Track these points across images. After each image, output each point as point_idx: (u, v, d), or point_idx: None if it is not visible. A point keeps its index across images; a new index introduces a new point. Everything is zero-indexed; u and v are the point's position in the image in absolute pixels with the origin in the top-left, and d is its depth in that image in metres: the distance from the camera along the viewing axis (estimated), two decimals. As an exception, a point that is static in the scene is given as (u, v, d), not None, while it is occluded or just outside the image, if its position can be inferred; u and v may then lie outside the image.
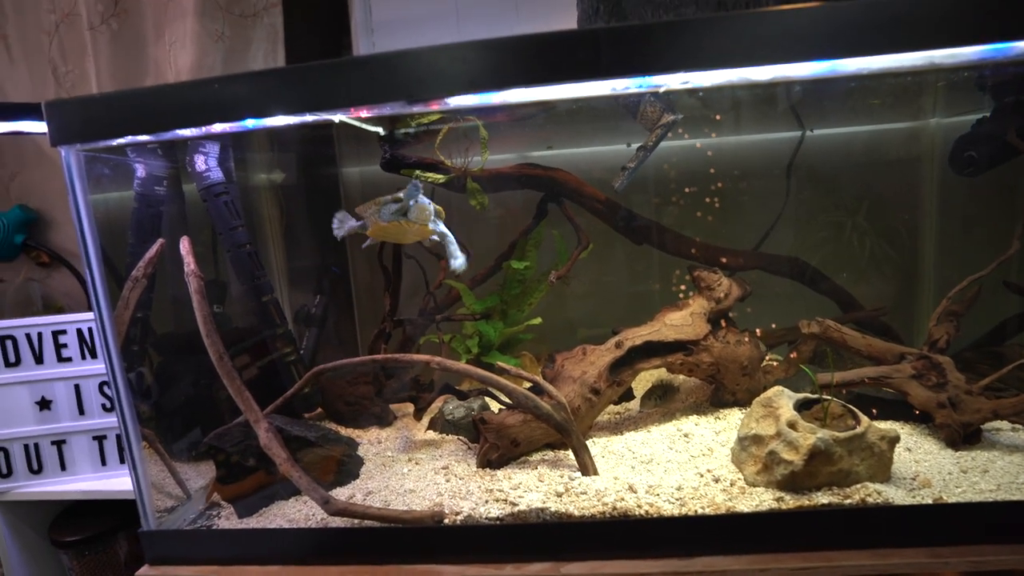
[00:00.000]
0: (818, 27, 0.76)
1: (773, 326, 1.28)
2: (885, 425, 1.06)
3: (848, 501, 0.87)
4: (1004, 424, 1.03)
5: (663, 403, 1.25)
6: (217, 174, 1.11)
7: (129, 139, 0.93)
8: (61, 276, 1.88)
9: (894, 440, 0.91)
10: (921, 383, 1.00)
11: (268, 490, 1.04)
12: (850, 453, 0.89)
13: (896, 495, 0.88)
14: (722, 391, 1.19)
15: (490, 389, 1.07)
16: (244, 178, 1.47)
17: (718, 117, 1.22)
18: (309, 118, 0.93)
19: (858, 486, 0.89)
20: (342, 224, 1.07)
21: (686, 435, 1.10)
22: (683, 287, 1.26)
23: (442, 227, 1.06)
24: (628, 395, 1.20)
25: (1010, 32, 0.76)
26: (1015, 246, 1.07)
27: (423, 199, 1.02)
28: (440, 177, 1.20)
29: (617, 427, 1.19)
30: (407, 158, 1.23)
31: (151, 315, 1.15)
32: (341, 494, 1.01)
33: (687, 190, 1.29)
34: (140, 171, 1.12)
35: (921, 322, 1.40)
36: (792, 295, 1.39)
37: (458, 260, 1.05)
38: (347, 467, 1.07)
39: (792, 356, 1.24)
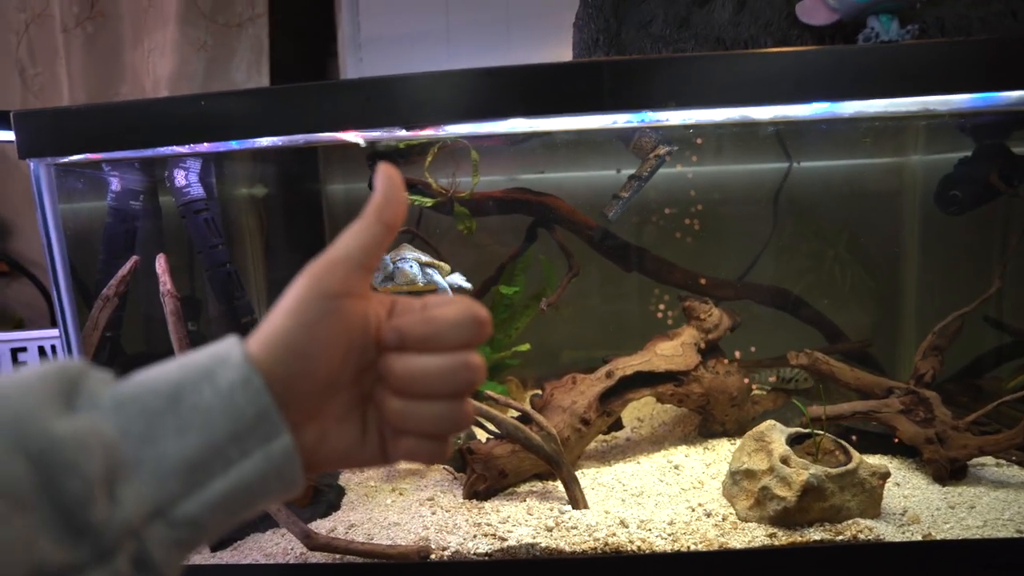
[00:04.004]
0: (816, 70, 0.77)
1: (752, 350, 1.28)
2: (875, 460, 1.07)
3: (840, 537, 0.87)
4: (989, 459, 1.05)
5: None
6: (198, 190, 1.06)
7: (104, 155, 0.88)
8: (20, 286, 1.79)
9: (885, 476, 0.91)
10: (909, 418, 1.02)
11: (243, 522, 0.98)
12: (842, 489, 0.89)
13: (887, 531, 0.88)
14: (711, 422, 1.19)
15: (478, 419, 1.04)
16: (224, 192, 1.42)
17: (698, 141, 1.23)
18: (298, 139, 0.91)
19: (849, 522, 0.89)
20: None
21: (676, 467, 1.08)
22: (671, 313, 1.26)
23: (436, 278, 1.03)
24: (617, 425, 1.19)
25: (999, 83, 0.79)
26: (997, 284, 1.10)
27: (403, 264, 0.99)
28: (428, 200, 1.17)
29: (605, 456, 1.17)
30: (397, 179, 1.20)
31: (121, 335, 1.09)
32: (322, 526, 0.97)
33: (667, 211, 1.29)
34: (115, 184, 1.07)
35: (902, 354, 1.42)
36: (776, 324, 1.40)
37: (450, 281, 1.03)
38: (327, 497, 1.02)
39: (771, 380, 1.25)
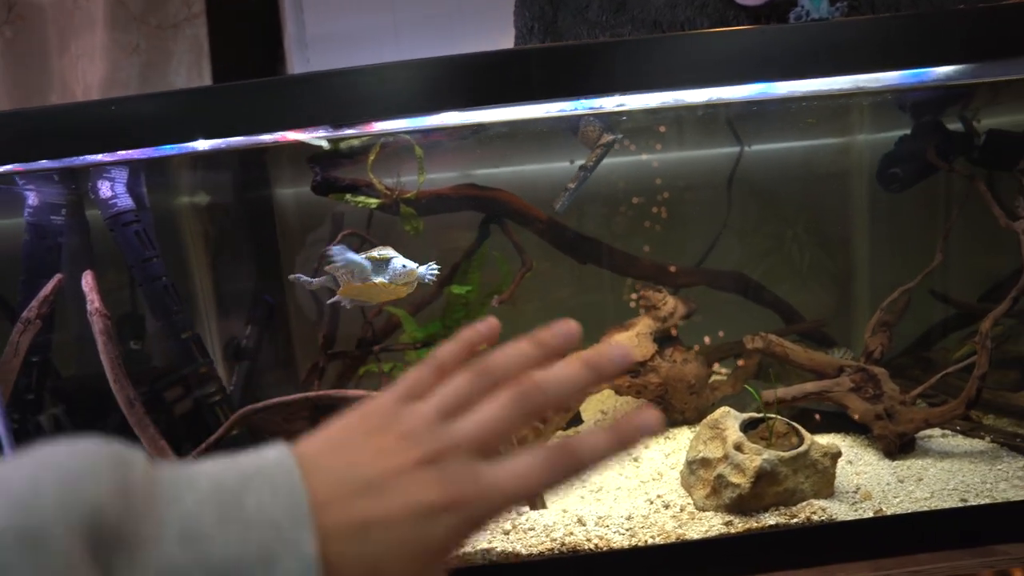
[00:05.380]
0: (752, 50, 0.76)
1: (721, 334, 1.28)
2: (827, 440, 1.08)
3: (795, 520, 0.87)
4: (936, 431, 1.06)
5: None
6: (126, 201, 1.01)
7: (13, 167, 0.83)
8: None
9: (836, 456, 0.92)
10: (860, 395, 1.02)
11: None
12: (795, 472, 0.89)
13: (840, 510, 0.89)
14: (671, 411, 1.18)
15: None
16: (162, 201, 1.36)
17: (662, 129, 1.22)
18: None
19: (804, 504, 0.89)
20: (310, 281, 0.99)
21: (635, 459, 1.08)
22: (632, 302, 1.25)
23: (409, 267, 0.97)
24: (577, 420, 1.18)
25: (926, 60, 0.79)
26: (939, 258, 1.11)
27: (409, 264, 0.94)
28: (374, 201, 1.14)
29: (567, 452, 1.16)
30: (340, 180, 1.16)
31: (51, 357, 1.03)
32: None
33: (635, 201, 1.28)
34: (31, 199, 1.01)
35: (858, 331, 1.44)
36: (739, 308, 1.40)
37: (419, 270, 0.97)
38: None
39: (740, 364, 1.25)
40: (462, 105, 0.79)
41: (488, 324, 0.36)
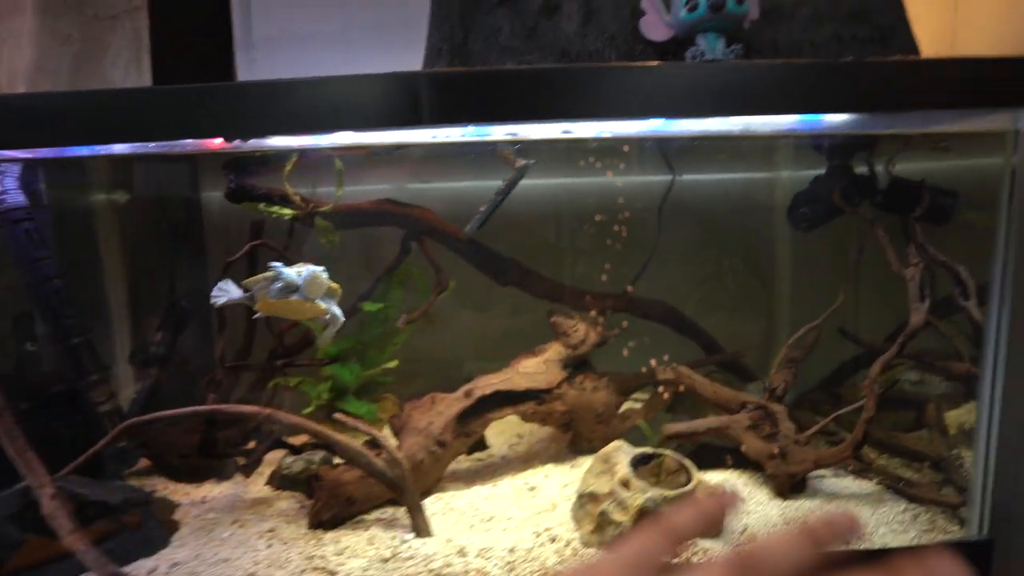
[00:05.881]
0: (648, 86, 0.76)
1: (666, 358, 1.27)
2: (722, 477, 1.08)
3: (675, 561, 0.87)
4: (829, 471, 1.07)
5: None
6: (17, 197, 0.97)
7: None
8: None
9: (722, 495, 0.92)
10: (756, 433, 1.03)
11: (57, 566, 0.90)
12: (679, 510, 0.89)
13: (723, 551, 0.89)
14: (579, 439, 1.18)
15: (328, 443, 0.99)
16: (74, 199, 1.31)
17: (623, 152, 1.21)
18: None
19: (687, 543, 0.89)
20: (224, 293, 0.92)
21: (532, 488, 1.06)
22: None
23: (335, 309, 0.93)
24: (481, 445, 1.16)
25: (816, 107, 0.80)
26: (841, 299, 1.13)
27: (313, 268, 0.90)
28: (288, 212, 1.11)
29: (472, 478, 1.14)
30: (255, 189, 1.14)
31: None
32: (143, 567, 0.90)
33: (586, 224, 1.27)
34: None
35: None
36: (666, 335, 1.41)
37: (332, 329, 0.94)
38: (155, 534, 0.95)
39: (660, 392, 1.25)
40: (354, 127, 0.77)
41: (729, 496, 0.35)
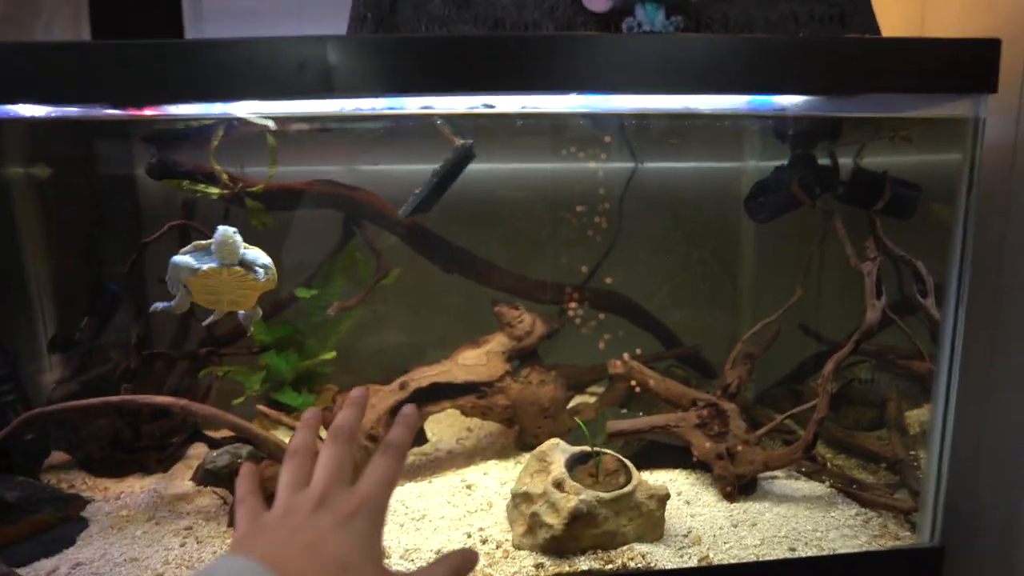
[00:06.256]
0: (567, 59, 0.70)
1: (638, 351, 1.21)
2: (668, 477, 1.03)
3: (610, 566, 0.82)
4: (782, 472, 1.03)
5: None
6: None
7: None
8: None
9: (664, 498, 0.87)
10: (704, 432, 0.98)
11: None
12: (617, 514, 0.84)
13: (663, 556, 0.84)
14: (525, 434, 1.12)
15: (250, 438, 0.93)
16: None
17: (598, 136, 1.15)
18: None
19: (625, 548, 0.84)
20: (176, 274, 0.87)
21: (469, 486, 1.01)
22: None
23: (251, 254, 0.87)
24: (421, 439, 1.11)
25: (762, 86, 0.74)
26: (799, 293, 1.08)
27: (223, 228, 0.84)
28: (214, 190, 1.04)
29: (412, 473, 1.08)
30: (179, 165, 1.06)
31: None
32: (44, 567, 0.83)
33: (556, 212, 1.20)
34: None
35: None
36: (628, 327, 1.35)
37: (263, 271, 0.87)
38: (60, 532, 0.89)
39: (614, 387, 1.19)
40: (264, 95, 0.70)
41: (311, 413, 0.53)
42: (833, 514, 0.93)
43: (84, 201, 1.30)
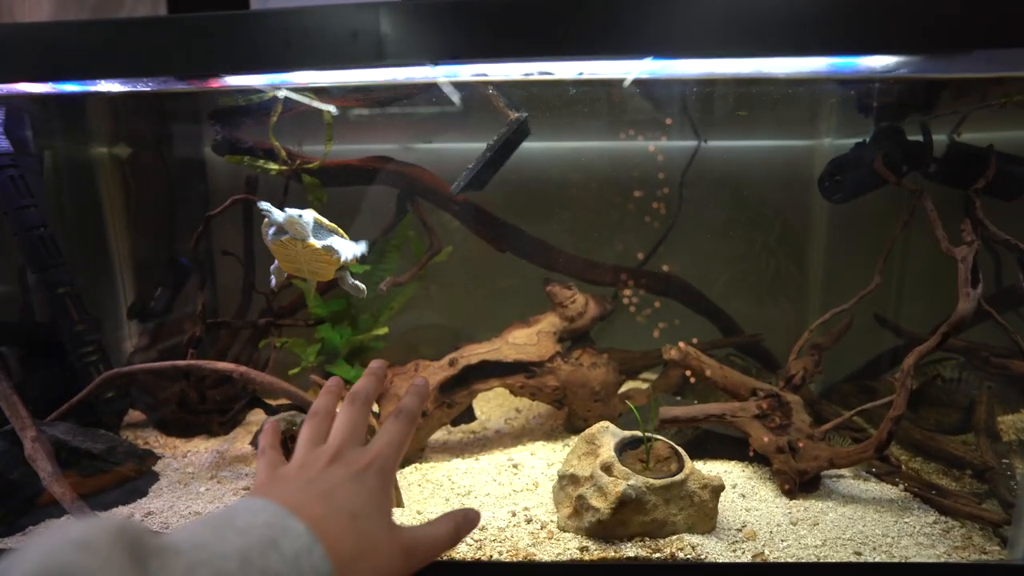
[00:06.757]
0: (656, 17, 0.65)
1: (695, 341, 1.17)
2: (723, 468, 0.99)
3: (657, 555, 0.79)
4: (848, 471, 0.96)
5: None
6: (1, 143, 0.96)
7: None
8: None
9: (718, 489, 0.82)
10: (764, 424, 0.92)
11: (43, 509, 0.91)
12: (667, 502, 0.80)
13: (715, 549, 0.80)
14: (574, 417, 1.10)
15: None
16: (74, 151, 1.31)
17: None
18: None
19: (673, 537, 0.81)
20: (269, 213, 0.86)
21: (515, 465, 1.00)
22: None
23: (331, 242, 0.87)
24: (469, 416, 1.10)
25: (850, 47, 0.67)
26: (876, 280, 0.99)
27: (291, 211, 0.83)
28: (273, 166, 1.07)
29: (459, 450, 1.09)
30: (242, 141, 1.09)
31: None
32: (120, 514, 0.90)
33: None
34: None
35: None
36: (686, 313, 1.29)
37: (347, 252, 0.86)
38: (134, 484, 0.95)
39: (668, 373, 1.15)
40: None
41: (333, 381, 0.54)
42: (907, 520, 0.85)
43: (159, 178, 1.38)
